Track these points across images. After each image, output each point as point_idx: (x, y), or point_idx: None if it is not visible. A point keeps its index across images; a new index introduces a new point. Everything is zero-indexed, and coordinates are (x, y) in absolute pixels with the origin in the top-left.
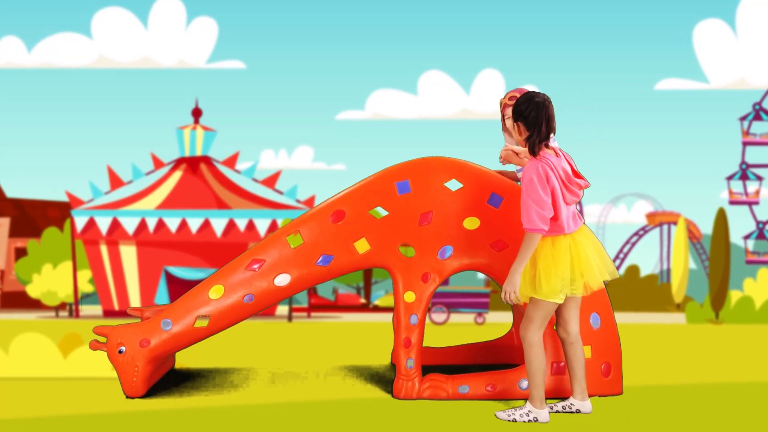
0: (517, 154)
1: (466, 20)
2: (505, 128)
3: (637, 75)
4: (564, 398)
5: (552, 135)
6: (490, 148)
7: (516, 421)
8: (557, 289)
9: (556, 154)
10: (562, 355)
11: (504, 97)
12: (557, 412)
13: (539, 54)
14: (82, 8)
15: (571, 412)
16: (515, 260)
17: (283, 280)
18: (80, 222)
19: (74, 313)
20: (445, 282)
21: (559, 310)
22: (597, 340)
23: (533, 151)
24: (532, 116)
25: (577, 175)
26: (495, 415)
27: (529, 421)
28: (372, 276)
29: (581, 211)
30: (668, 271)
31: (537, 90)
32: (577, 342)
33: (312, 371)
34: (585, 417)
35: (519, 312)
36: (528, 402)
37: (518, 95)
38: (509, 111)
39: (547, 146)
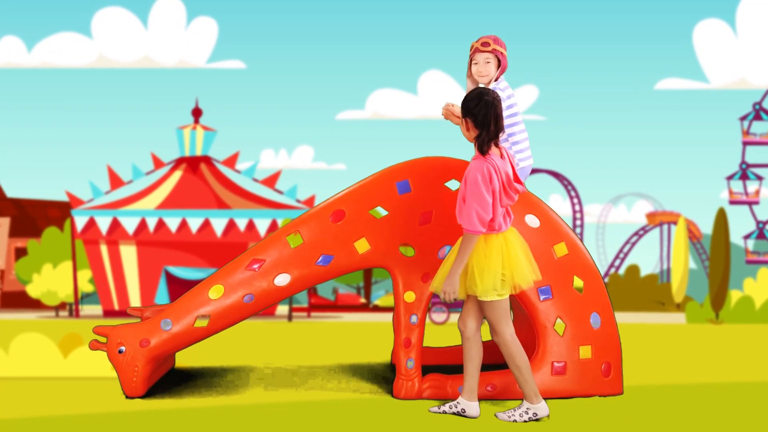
0: (455, 115)
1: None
2: (469, 74)
3: (637, 75)
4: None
5: (501, 134)
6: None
7: (516, 421)
8: (490, 287)
9: (502, 156)
10: (560, 354)
11: (477, 42)
12: (444, 412)
13: (539, 54)
14: (82, 8)
15: (457, 413)
16: (454, 261)
17: (283, 279)
18: (80, 222)
19: (74, 312)
20: None
21: (467, 303)
22: (597, 340)
23: (482, 150)
24: (481, 115)
25: (516, 179)
26: (495, 416)
27: (529, 418)
28: (372, 276)
29: (581, 211)
30: (668, 270)
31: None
32: (473, 339)
33: (312, 371)
34: (585, 417)
35: (519, 312)
36: (524, 400)
37: (491, 42)
38: (478, 56)
39: (496, 145)
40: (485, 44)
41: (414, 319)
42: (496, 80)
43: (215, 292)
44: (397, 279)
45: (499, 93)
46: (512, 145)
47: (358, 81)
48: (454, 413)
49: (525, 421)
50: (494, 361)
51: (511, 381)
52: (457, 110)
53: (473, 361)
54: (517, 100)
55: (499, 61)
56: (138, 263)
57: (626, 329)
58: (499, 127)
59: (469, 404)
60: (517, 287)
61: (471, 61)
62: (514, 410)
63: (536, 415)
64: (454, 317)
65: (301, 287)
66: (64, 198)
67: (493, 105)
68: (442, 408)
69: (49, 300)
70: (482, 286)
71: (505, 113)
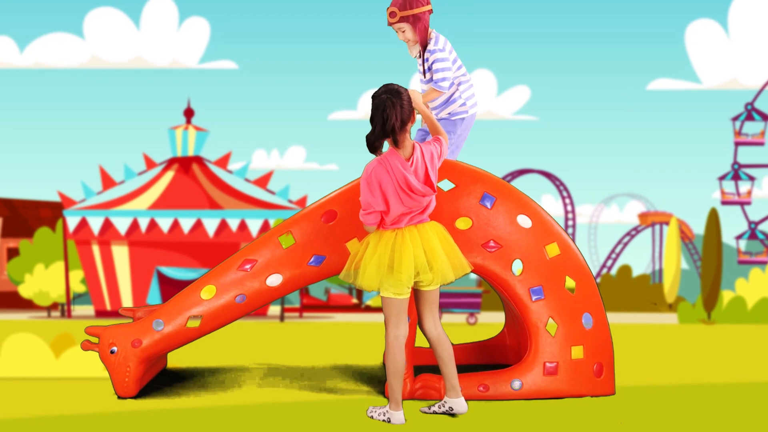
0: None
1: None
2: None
3: (629, 75)
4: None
5: (403, 132)
6: (483, 148)
7: (372, 419)
8: (375, 282)
9: (410, 157)
10: (551, 354)
11: (388, 16)
12: (434, 413)
13: (531, 55)
14: (75, 8)
15: (445, 413)
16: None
17: (275, 280)
18: (72, 222)
19: (66, 313)
20: None
21: (414, 308)
22: (589, 340)
23: (370, 149)
24: (372, 113)
25: (427, 181)
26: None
27: (384, 420)
28: None
29: (573, 211)
30: (660, 271)
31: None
32: (435, 339)
33: (304, 371)
34: (577, 417)
35: (511, 312)
36: (447, 398)
37: (396, 11)
38: (395, 31)
39: (398, 143)
40: (392, 14)
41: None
42: (428, 39)
43: (207, 292)
44: None
45: (437, 50)
46: (460, 94)
47: (350, 81)
48: (443, 412)
49: (380, 420)
50: (487, 361)
51: (503, 381)
52: (418, 100)
53: (444, 359)
54: (453, 51)
55: (411, 22)
56: (130, 263)
57: (618, 329)
58: (389, 128)
59: (455, 401)
60: (420, 284)
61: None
62: (377, 408)
63: (390, 420)
64: (445, 318)
65: (293, 288)
66: (56, 198)
67: (383, 104)
68: (432, 408)
69: (41, 300)
70: (366, 280)
71: (438, 72)
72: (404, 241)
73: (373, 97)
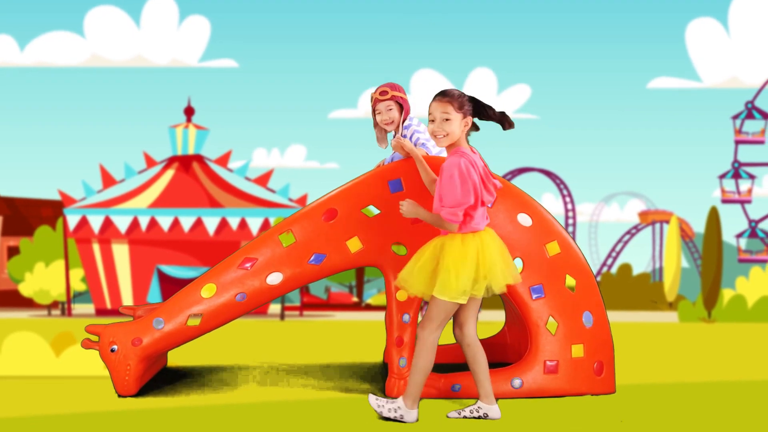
0: (403, 148)
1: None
2: (375, 124)
3: (629, 74)
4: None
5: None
6: (483, 146)
7: (382, 414)
8: (462, 290)
9: (473, 151)
10: (552, 353)
11: (375, 92)
12: (465, 417)
13: (531, 53)
14: (75, 7)
15: (480, 417)
16: (426, 213)
17: (275, 278)
18: (73, 221)
19: (66, 311)
20: None
21: (457, 311)
22: (589, 339)
23: (480, 115)
24: (468, 106)
25: (492, 175)
26: (370, 402)
27: (394, 418)
28: (364, 275)
29: (573, 210)
30: (661, 269)
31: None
32: (474, 344)
33: (304, 370)
34: (577, 415)
35: (511, 310)
36: (401, 398)
37: (389, 89)
38: (380, 106)
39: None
40: (383, 93)
41: (406, 317)
42: (402, 124)
43: (207, 290)
44: (389, 278)
45: (411, 129)
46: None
47: (351, 80)
48: (476, 417)
49: (391, 418)
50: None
51: (504, 379)
52: (407, 145)
53: (482, 365)
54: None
55: (401, 106)
56: (130, 262)
57: (618, 328)
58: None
59: (490, 407)
60: (489, 290)
61: (374, 111)
62: (388, 401)
63: (402, 418)
64: None
65: (294, 286)
66: (57, 197)
67: (472, 101)
68: (463, 413)
69: (41, 299)
70: (456, 288)
71: (422, 144)
72: (487, 245)
73: (462, 94)
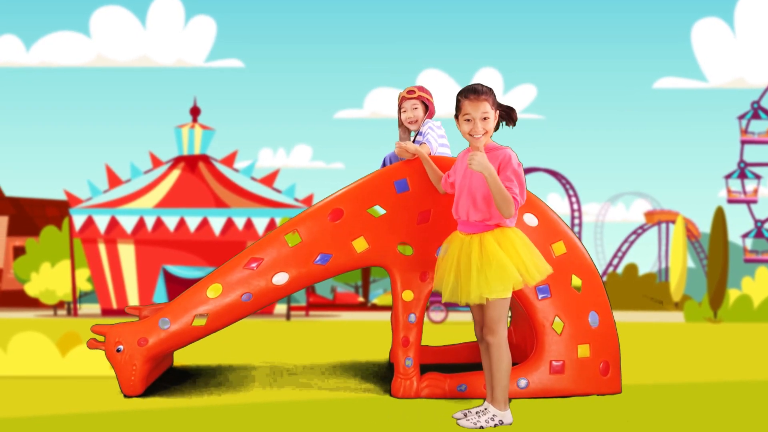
0: (407, 150)
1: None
2: (400, 122)
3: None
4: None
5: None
6: None
7: (483, 428)
8: (509, 284)
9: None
10: (558, 353)
11: (403, 91)
12: (482, 428)
13: (537, 53)
14: (81, 7)
15: (497, 425)
16: (497, 177)
17: (281, 278)
18: (78, 221)
19: (72, 311)
20: None
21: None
22: (595, 339)
23: (510, 120)
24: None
25: None
26: (458, 424)
27: (495, 425)
28: (370, 275)
29: (579, 210)
30: (666, 269)
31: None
32: (506, 344)
33: (310, 370)
34: (583, 416)
35: (517, 310)
36: (490, 405)
37: (416, 90)
38: (406, 104)
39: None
40: (411, 92)
41: (412, 317)
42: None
43: (213, 290)
44: (395, 278)
45: (434, 129)
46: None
47: (356, 80)
48: (494, 425)
49: (492, 426)
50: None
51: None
52: (410, 146)
53: (509, 368)
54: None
55: (426, 106)
56: (136, 262)
57: (624, 328)
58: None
59: (506, 414)
60: (530, 281)
61: (400, 109)
62: (479, 415)
63: (502, 422)
64: (453, 316)
65: (300, 286)
66: (63, 197)
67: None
68: (479, 424)
69: (47, 299)
70: (502, 284)
71: (439, 149)
72: (519, 237)
73: (491, 90)
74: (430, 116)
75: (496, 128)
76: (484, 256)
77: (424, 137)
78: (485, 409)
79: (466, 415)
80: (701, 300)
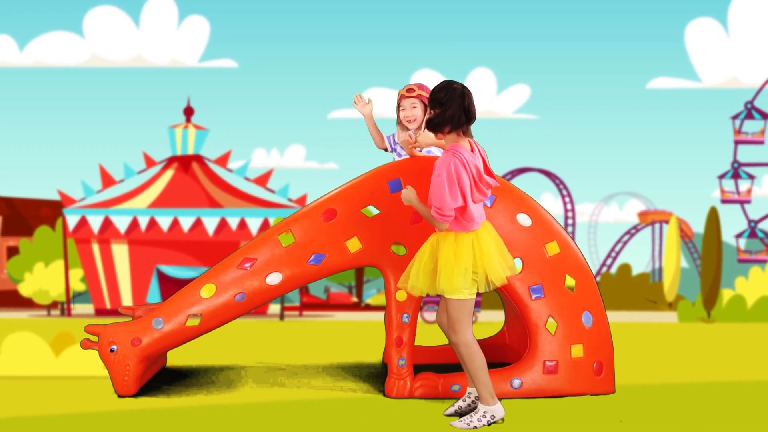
0: (411, 144)
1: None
2: (398, 120)
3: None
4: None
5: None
6: (484, 147)
7: (476, 428)
8: (460, 286)
9: (471, 149)
10: (551, 353)
11: (402, 89)
12: (475, 428)
13: (531, 53)
14: (74, 7)
15: (489, 423)
16: (421, 205)
17: (274, 278)
18: (72, 221)
19: (66, 311)
20: None
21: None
22: (589, 339)
23: (437, 130)
24: (449, 103)
25: (489, 172)
26: (450, 425)
27: (488, 422)
28: (364, 275)
29: (572, 210)
30: (660, 269)
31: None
32: (470, 342)
33: (304, 370)
34: (577, 416)
35: (511, 310)
36: (480, 404)
37: (416, 88)
38: (405, 102)
39: (464, 133)
40: (410, 90)
41: (406, 318)
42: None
43: (207, 291)
44: (388, 278)
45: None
46: None
47: (350, 80)
48: (486, 424)
49: (485, 425)
50: (487, 359)
51: (503, 380)
52: (416, 138)
53: (483, 364)
54: None
55: (425, 105)
56: (130, 262)
57: (618, 328)
58: (470, 116)
59: (496, 408)
60: (491, 284)
61: (398, 107)
62: (471, 415)
63: (494, 417)
64: None
65: (293, 286)
66: (56, 197)
67: (463, 93)
68: (473, 424)
69: (40, 299)
70: (450, 285)
71: (428, 150)
72: (482, 242)
73: (447, 86)
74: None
75: (465, 130)
76: (439, 255)
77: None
78: (484, 413)
79: (469, 424)
80: (695, 300)
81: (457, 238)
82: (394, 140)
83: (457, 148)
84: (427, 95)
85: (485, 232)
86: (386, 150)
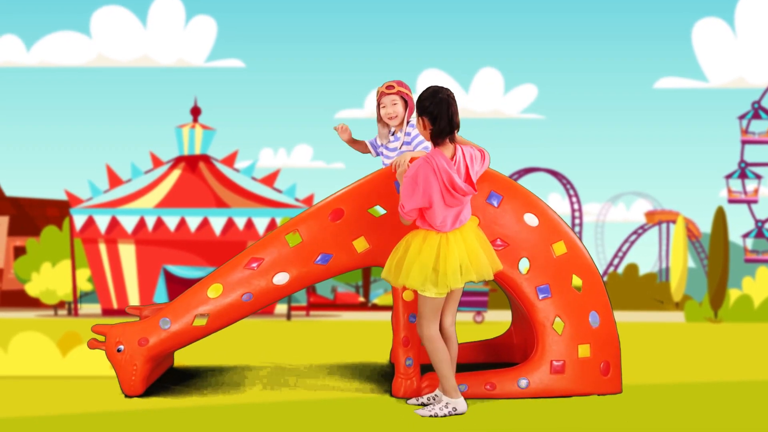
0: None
1: (465, 20)
2: (379, 118)
3: (635, 74)
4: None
5: (455, 132)
6: (491, 147)
7: (437, 416)
8: (419, 282)
9: (453, 156)
10: (558, 353)
11: (381, 86)
12: (435, 415)
13: (538, 53)
14: (81, 7)
15: (449, 414)
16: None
17: (281, 278)
18: (79, 221)
19: (73, 311)
20: None
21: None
22: (596, 339)
23: (435, 142)
24: (436, 111)
25: (468, 180)
26: (415, 413)
27: (449, 413)
28: (371, 275)
29: (579, 210)
30: (667, 269)
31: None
32: (451, 337)
33: (311, 370)
34: (584, 416)
35: (518, 310)
36: (443, 395)
37: (395, 85)
38: (385, 99)
39: (451, 141)
40: (390, 87)
41: (413, 317)
42: (407, 121)
43: (214, 290)
44: None
45: (415, 131)
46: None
47: (357, 80)
48: (445, 414)
49: (445, 415)
50: (493, 359)
51: (510, 380)
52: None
53: (444, 359)
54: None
55: (406, 102)
56: (137, 262)
57: (625, 328)
58: (453, 124)
59: (458, 401)
60: (444, 290)
61: (379, 105)
62: (434, 405)
63: (455, 409)
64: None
65: (300, 286)
66: (63, 197)
67: (448, 101)
68: (433, 411)
69: (47, 299)
70: (407, 279)
71: (419, 146)
72: (449, 245)
73: (434, 94)
74: (410, 112)
75: (446, 135)
76: (408, 250)
77: (420, 145)
78: (446, 403)
79: (423, 404)
80: (702, 300)
81: (426, 237)
82: (376, 141)
83: (434, 154)
84: (407, 92)
85: (458, 235)
86: (374, 155)
